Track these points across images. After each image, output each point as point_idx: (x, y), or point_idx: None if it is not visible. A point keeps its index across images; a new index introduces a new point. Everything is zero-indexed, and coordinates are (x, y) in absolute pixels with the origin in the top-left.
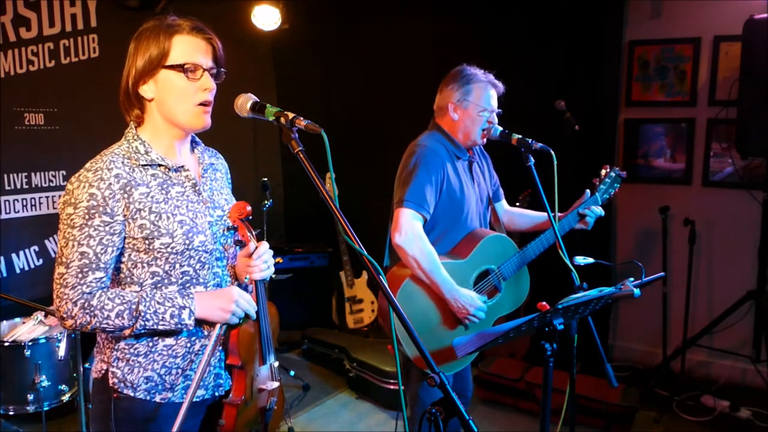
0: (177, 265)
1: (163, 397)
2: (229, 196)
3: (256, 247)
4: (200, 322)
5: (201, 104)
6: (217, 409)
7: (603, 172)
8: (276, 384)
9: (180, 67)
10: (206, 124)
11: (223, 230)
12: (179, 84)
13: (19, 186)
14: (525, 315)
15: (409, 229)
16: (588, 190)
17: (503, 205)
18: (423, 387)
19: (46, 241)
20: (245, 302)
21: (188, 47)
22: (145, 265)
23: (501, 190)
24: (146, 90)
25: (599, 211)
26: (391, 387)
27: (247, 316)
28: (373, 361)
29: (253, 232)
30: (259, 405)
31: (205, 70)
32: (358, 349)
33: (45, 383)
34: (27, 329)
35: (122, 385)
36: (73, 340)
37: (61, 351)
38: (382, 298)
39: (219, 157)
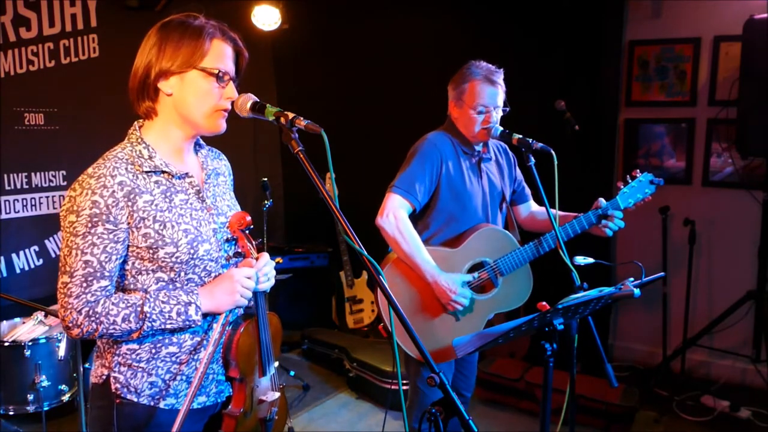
0: (182, 273)
1: (167, 404)
2: (232, 200)
3: (256, 259)
4: (207, 324)
5: (221, 110)
6: (218, 418)
7: (631, 175)
8: (277, 395)
9: (214, 74)
10: (221, 129)
11: (224, 241)
12: (205, 87)
13: (19, 186)
14: (525, 315)
15: (391, 212)
16: (601, 199)
17: (530, 205)
18: (421, 378)
19: (46, 241)
20: (246, 278)
21: (223, 54)
22: (150, 272)
23: (527, 191)
24: (167, 85)
25: (619, 218)
26: (392, 387)
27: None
28: (373, 361)
29: (254, 243)
30: (259, 416)
31: (231, 78)
32: (358, 349)
33: (45, 383)
34: (27, 329)
35: (125, 390)
36: (73, 340)
37: (61, 351)
38: (381, 297)
39: (222, 159)
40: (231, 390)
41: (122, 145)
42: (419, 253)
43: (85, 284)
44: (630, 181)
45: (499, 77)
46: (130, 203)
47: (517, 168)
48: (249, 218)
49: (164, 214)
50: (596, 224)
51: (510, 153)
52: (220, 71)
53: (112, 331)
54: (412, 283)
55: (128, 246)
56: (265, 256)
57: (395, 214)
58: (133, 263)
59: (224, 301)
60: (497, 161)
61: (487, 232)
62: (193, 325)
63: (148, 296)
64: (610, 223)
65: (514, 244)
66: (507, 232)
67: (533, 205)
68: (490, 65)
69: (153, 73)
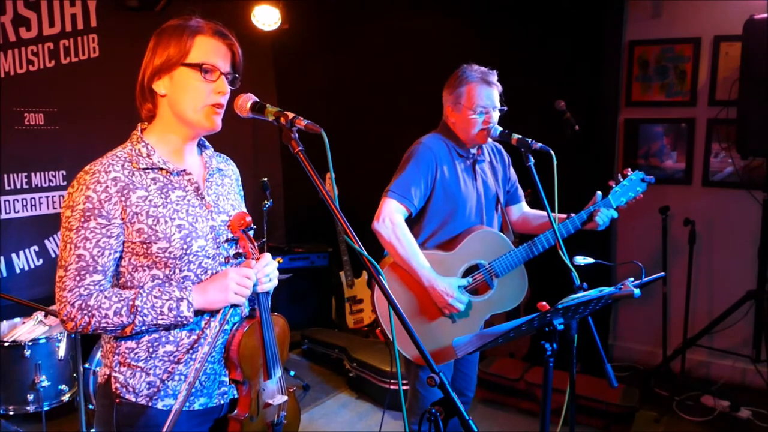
0: (177, 270)
1: (165, 404)
2: (237, 201)
3: (257, 260)
4: (203, 323)
5: (212, 105)
6: (224, 422)
7: (622, 174)
8: (284, 398)
9: (198, 67)
10: (216, 125)
11: (224, 241)
12: (194, 83)
13: (19, 186)
14: (525, 315)
15: (387, 217)
16: (599, 192)
17: (522, 206)
18: (420, 381)
19: (46, 241)
20: (244, 277)
21: (209, 49)
22: (145, 268)
23: (520, 192)
24: (160, 86)
25: (611, 213)
26: (391, 387)
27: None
28: (373, 361)
29: (255, 244)
30: (266, 420)
31: (222, 73)
32: (358, 349)
33: (45, 383)
34: (27, 329)
35: (124, 390)
36: (73, 340)
37: (61, 351)
38: (380, 297)
39: (230, 163)
40: (236, 392)
41: (123, 145)
42: (415, 258)
43: (78, 278)
44: (621, 179)
45: (494, 77)
46: (123, 198)
47: (512, 168)
48: (249, 218)
49: (158, 209)
50: (587, 221)
51: (504, 153)
52: (204, 64)
53: (105, 325)
54: (409, 286)
55: (124, 242)
56: (267, 256)
57: (391, 218)
58: (129, 260)
59: (216, 299)
60: (491, 163)
61: (482, 235)
62: (185, 322)
63: (141, 291)
64: (600, 214)
65: (508, 246)
66: (501, 233)
67: (525, 207)
68: (483, 67)
69: (147, 74)
